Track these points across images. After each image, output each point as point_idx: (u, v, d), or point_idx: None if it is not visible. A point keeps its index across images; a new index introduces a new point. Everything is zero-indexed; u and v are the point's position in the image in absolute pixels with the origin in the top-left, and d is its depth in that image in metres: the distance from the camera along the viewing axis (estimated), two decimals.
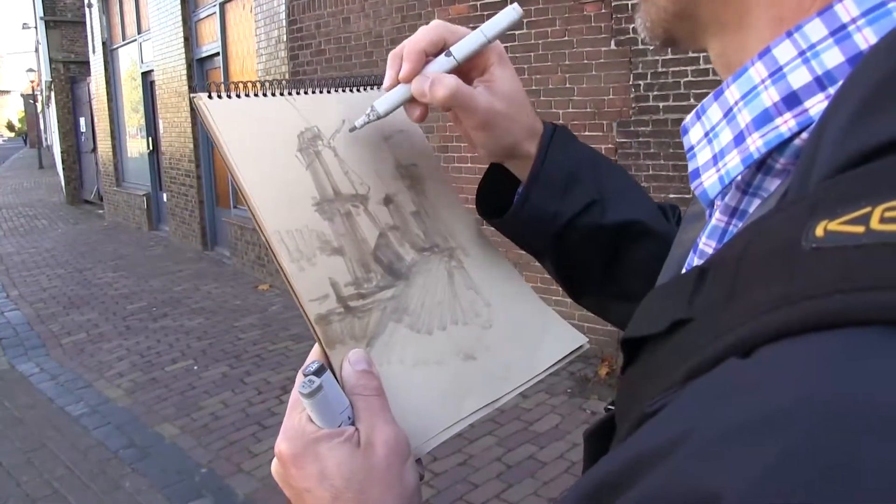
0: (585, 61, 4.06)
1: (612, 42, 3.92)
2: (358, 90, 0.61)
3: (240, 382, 4.33)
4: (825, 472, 0.17)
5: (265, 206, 0.50)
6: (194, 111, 0.52)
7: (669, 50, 0.43)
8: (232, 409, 3.96)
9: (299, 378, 0.46)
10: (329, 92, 0.59)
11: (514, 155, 0.60)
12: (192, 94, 0.51)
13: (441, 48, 0.56)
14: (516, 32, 4.27)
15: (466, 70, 0.57)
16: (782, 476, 0.18)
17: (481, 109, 0.55)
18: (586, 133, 4.10)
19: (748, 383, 0.21)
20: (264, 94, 0.54)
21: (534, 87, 4.27)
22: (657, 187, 3.81)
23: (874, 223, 0.21)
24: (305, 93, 0.57)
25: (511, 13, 0.55)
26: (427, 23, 0.56)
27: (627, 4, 3.78)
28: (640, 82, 3.83)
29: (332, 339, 0.50)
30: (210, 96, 0.51)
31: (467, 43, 0.55)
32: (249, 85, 0.53)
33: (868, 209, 0.21)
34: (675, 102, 3.69)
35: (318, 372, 0.46)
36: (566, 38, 4.11)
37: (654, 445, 0.22)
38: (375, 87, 0.63)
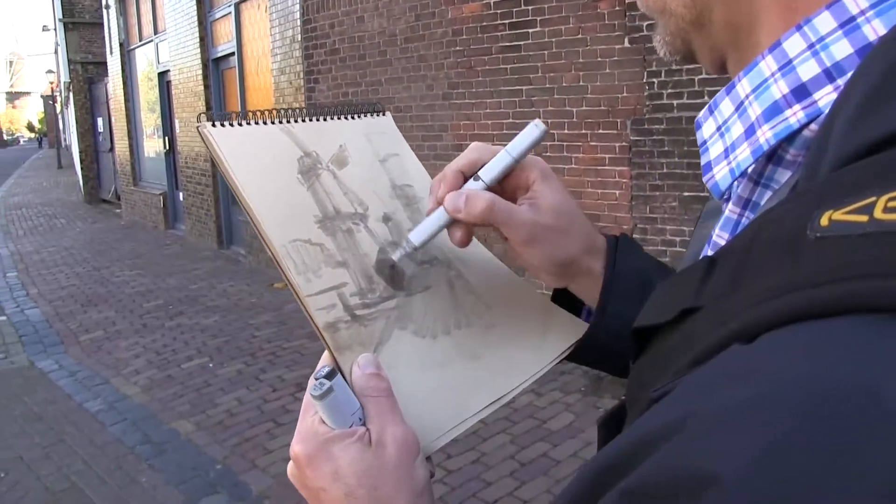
0: (599, 59, 4.04)
1: (626, 40, 3.90)
2: (353, 117, 0.64)
3: (255, 380, 4.37)
4: (818, 457, 0.18)
5: (270, 223, 0.52)
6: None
7: None
8: (247, 406, 3.99)
9: (311, 382, 0.48)
10: (326, 119, 0.61)
11: (573, 272, 0.56)
12: (197, 124, 0.53)
13: (478, 169, 0.55)
14: (529, 31, 4.26)
15: (511, 190, 0.56)
16: (777, 458, 0.18)
17: (525, 223, 0.53)
18: (600, 131, 4.09)
19: (747, 368, 0.21)
20: (265, 122, 0.56)
21: (547, 86, 4.26)
22: (671, 185, 3.79)
23: (878, 212, 0.21)
24: (304, 120, 0.59)
25: (534, 130, 0.54)
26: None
27: None
28: (654, 80, 3.81)
29: (340, 346, 0.52)
30: (214, 125, 0.53)
31: (495, 164, 0.55)
32: (250, 114, 0.56)
33: (872, 199, 0.22)
34: (689, 100, 3.67)
35: (329, 376, 0.48)
36: (580, 35, 4.10)
37: (655, 429, 0.22)
38: (370, 115, 0.65)
